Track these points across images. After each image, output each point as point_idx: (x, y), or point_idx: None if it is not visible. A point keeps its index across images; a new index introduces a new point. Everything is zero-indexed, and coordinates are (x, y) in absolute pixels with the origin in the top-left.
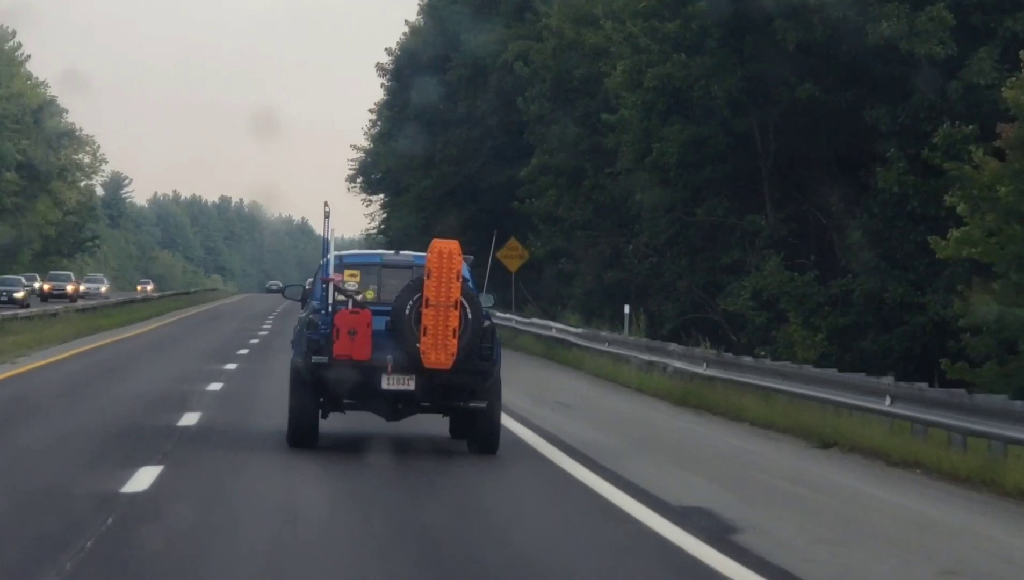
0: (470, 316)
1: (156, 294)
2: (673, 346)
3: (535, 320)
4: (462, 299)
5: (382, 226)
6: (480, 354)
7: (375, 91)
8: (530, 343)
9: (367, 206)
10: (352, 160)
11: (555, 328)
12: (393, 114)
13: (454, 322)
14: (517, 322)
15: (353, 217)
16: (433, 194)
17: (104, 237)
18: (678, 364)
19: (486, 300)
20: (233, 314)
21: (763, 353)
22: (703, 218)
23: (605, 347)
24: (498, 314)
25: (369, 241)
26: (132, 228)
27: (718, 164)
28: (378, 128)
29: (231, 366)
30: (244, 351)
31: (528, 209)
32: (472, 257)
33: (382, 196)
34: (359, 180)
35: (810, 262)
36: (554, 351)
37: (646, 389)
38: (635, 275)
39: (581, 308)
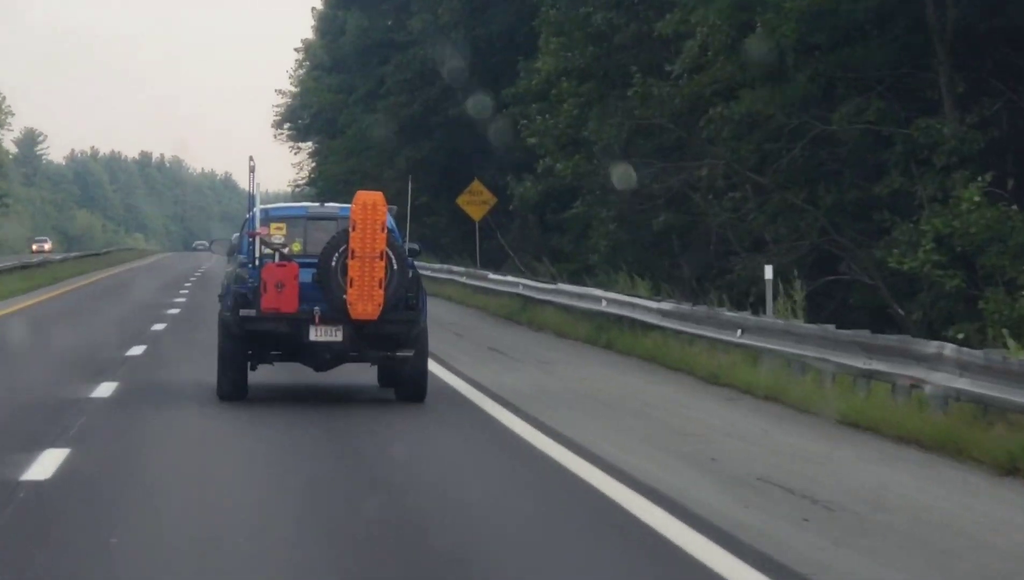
0: (395, 267)
1: (58, 256)
2: (945, 348)
3: (567, 287)
4: (387, 250)
5: (311, 176)
6: (406, 304)
7: (302, 28)
8: (557, 319)
9: (295, 154)
10: (278, 106)
11: (606, 299)
12: (327, 43)
13: (380, 273)
14: (493, 282)
15: (280, 169)
16: (378, 133)
17: (18, 196)
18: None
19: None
20: (144, 279)
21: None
22: (841, 128)
23: (737, 338)
24: (452, 270)
25: (296, 195)
26: (49, 187)
27: (863, 43)
28: (306, 67)
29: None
30: (136, 352)
31: (533, 131)
32: (396, 207)
33: (311, 144)
34: (286, 126)
35: (1007, 191)
36: (610, 336)
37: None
38: (703, 219)
39: (604, 267)
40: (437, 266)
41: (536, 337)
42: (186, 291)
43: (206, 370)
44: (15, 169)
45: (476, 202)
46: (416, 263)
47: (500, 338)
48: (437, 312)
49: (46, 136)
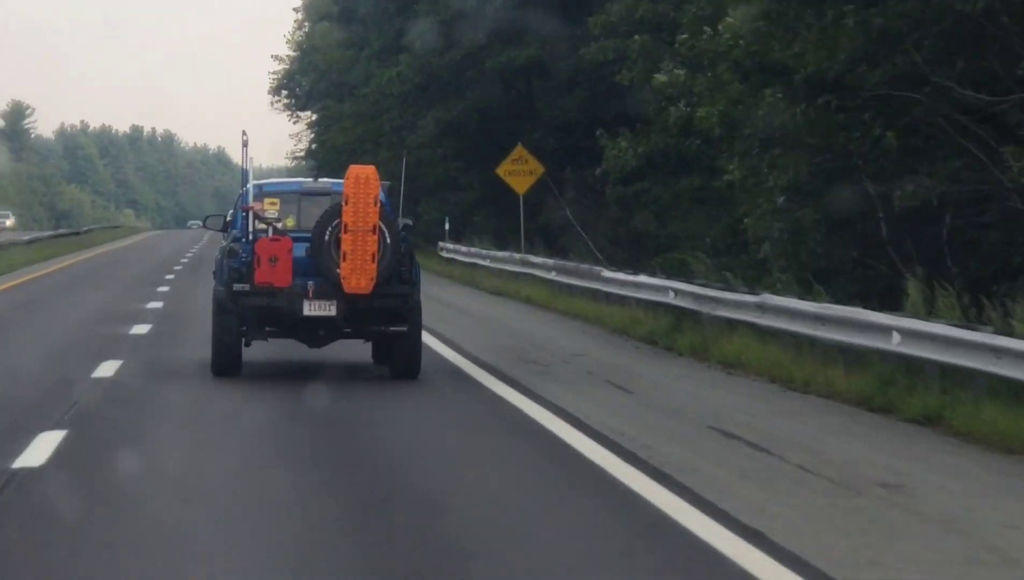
0: (388, 241)
1: (27, 236)
2: None
3: (782, 300)
4: (380, 224)
5: (311, 147)
6: (399, 277)
7: None
8: (767, 356)
9: (294, 124)
10: (274, 73)
11: (898, 331)
12: None
13: (373, 247)
14: (598, 281)
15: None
16: (400, 90)
17: (4, 171)
18: None
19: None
20: (119, 268)
21: None
22: None
23: None
24: (495, 255)
25: (293, 170)
26: (37, 161)
27: None
28: (306, 27)
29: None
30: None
31: (645, 77)
32: (389, 183)
33: (311, 113)
34: (283, 94)
35: None
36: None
37: None
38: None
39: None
40: (476, 251)
41: (768, 395)
42: (165, 289)
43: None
44: (2, 143)
45: (520, 172)
46: (450, 246)
47: (728, 411)
48: (511, 319)
49: (34, 109)
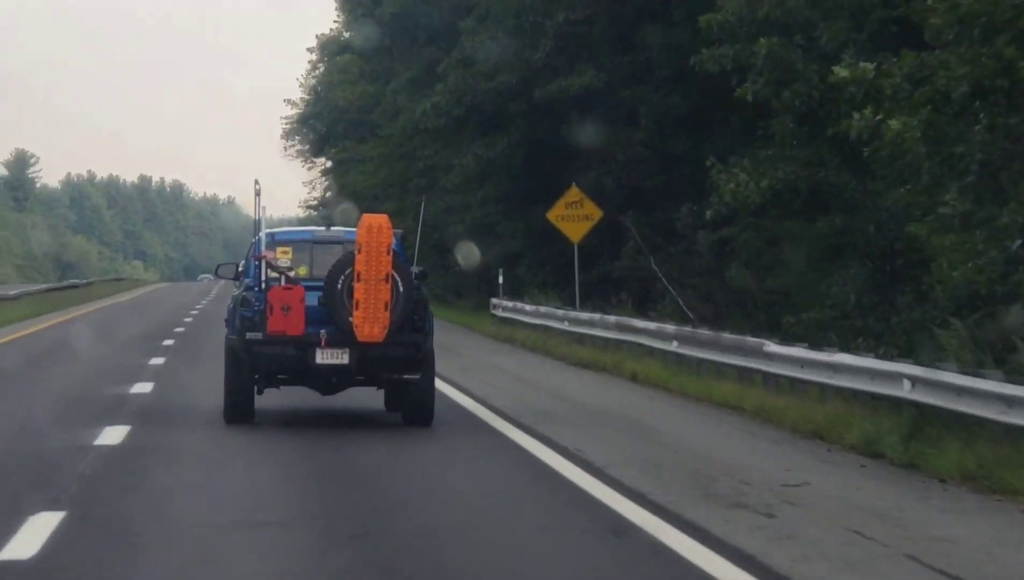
0: (401, 289)
1: (13, 291)
2: None
3: None
4: (393, 272)
5: (326, 194)
6: (413, 326)
7: (316, 26)
8: None
9: (308, 170)
10: (286, 118)
11: None
12: (355, 19)
13: (386, 295)
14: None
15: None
16: (435, 124)
17: (6, 222)
18: None
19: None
20: (111, 329)
21: None
22: None
23: None
24: (577, 317)
25: (308, 219)
26: (43, 212)
27: None
28: (321, 68)
29: None
30: None
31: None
32: (402, 231)
33: (326, 159)
34: (296, 139)
35: None
36: None
37: None
38: None
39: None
40: (549, 310)
41: None
42: (160, 361)
43: None
44: (5, 193)
45: (575, 217)
46: (508, 304)
47: None
48: (636, 410)
49: (38, 158)
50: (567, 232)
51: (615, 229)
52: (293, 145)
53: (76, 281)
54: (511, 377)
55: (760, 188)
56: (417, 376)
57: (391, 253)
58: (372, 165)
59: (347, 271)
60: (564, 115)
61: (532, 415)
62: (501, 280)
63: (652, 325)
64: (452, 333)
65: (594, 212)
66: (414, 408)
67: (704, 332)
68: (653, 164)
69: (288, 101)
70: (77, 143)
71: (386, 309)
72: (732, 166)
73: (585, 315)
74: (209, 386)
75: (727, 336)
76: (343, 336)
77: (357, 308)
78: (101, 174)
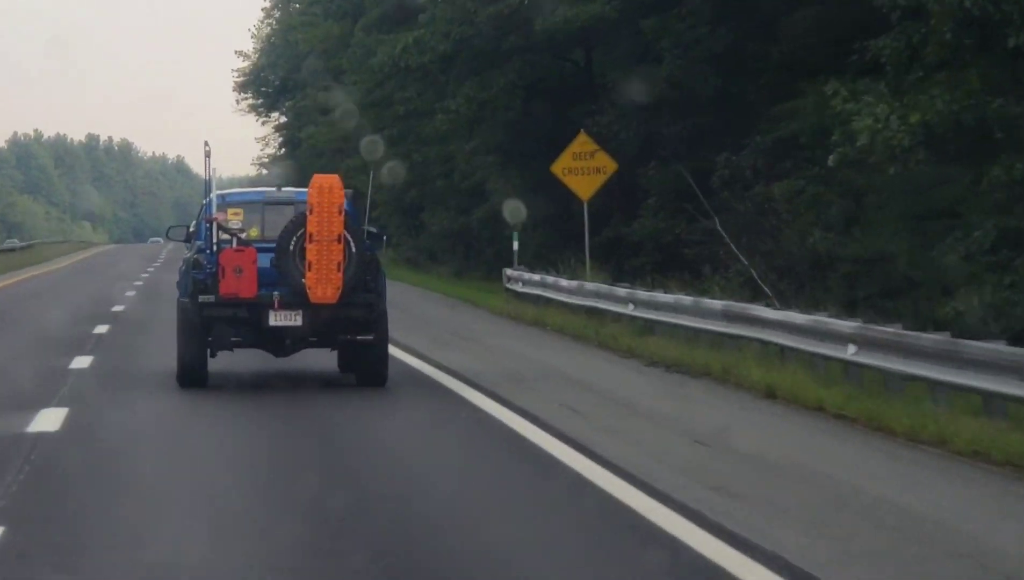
0: (354, 249)
1: None
2: None
3: None
4: (345, 233)
5: (280, 151)
6: (365, 287)
7: None
8: None
9: (262, 125)
10: (238, 71)
11: None
12: None
13: (338, 256)
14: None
15: (242, 150)
16: (419, 62)
17: None
18: None
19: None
20: (36, 305)
21: None
22: None
23: None
24: (641, 297)
25: (259, 180)
26: None
27: None
28: (276, 16)
29: None
30: None
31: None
32: (352, 190)
33: (279, 115)
34: (249, 93)
35: None
36: None
37: None
38: None
39: None
40: (597, 288)
41: None
42: (85, 362)
43: None
44: None
45: (584, 170)
46: (533, 277)
47: None
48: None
49: None
50: (575, 188)
51: (630, 184)
52: (245, 99)
53: (14, 243)
54: (599, 397)
55: (909, 125)
56: (371, 337)
57: (343, 213)
58: (338, 114)
59: (299, 232)
60: (569, 51)
61: (633, 447)
62: (516, 245)
63: (800, 318)
64: (455, 311)
65: (607, 164)
66: (368, 369)
67: (925, 336)
68: (679, 107)
69: (239, 53)
70: (23, 101)
71: (339, 270)
72: (861, 95)
73: (666, 297)
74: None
75: (986, 346)
76: (296, 298)
77: (310, 269)
78: (48, 133)
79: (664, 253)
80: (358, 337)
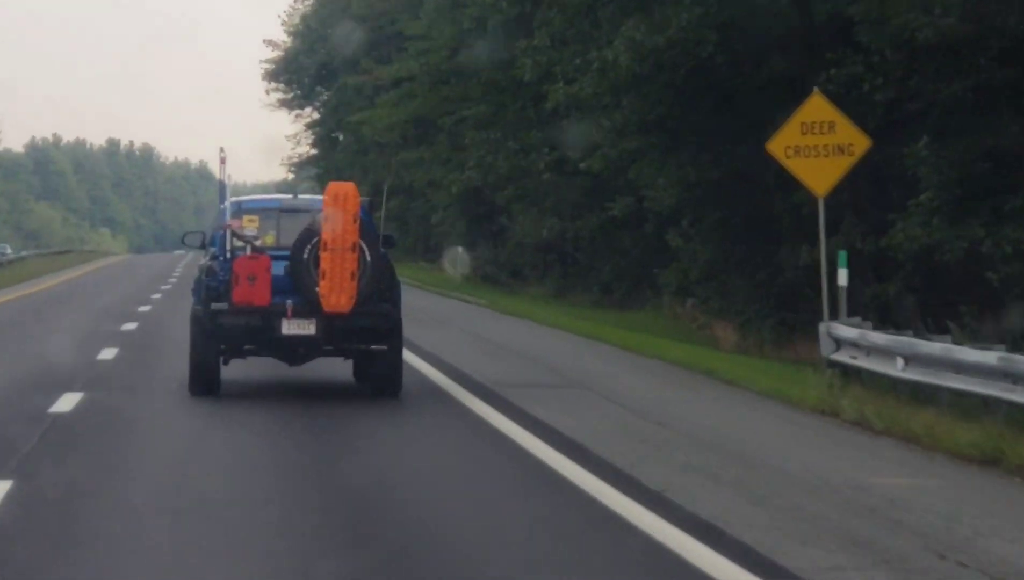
0: (368, 258)
1: None
2: None
3: None
4: (360, 241)
5: (311, 151)
6: (380, 296)
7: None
8: None
9: (295, 118)
10: (267, 60)
11: None
12: None
13: (352, 265)
14: None
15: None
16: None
17: None
18: None
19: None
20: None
21: None
22: None
23: None
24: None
25: (281, 184)
26: (4, 177)
27: None
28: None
29: None
30: None
31: None
32: (369, 199)
33: (312, 110)
34: (281, 83)
35: None
36: None
37: None
38: None
39: None
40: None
41: None
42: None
43: None
44: None
45: (820, 151)
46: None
47: None
48: None
49: None
50: (805, 177)
51: (881, 170)
52: (277, 88)
53: (2, 252)
54: None
55: None
56: (384, 347)
57: (358, 222)
58: (398, 94)
59: (313, 240)
60: None
61: None
62: (845, 280)
63: None
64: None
65: (855, 140)
66: (382, 379)
67: None
68: (971, 54)
69: (268, 42)
70: (41, 106)
71: (353, 279)
72: None
73: None
74: None
75: None
76: (309, 306)
77: (323, 278)
78: (67, 137)
79: (941, 277)
80: (372, 346)
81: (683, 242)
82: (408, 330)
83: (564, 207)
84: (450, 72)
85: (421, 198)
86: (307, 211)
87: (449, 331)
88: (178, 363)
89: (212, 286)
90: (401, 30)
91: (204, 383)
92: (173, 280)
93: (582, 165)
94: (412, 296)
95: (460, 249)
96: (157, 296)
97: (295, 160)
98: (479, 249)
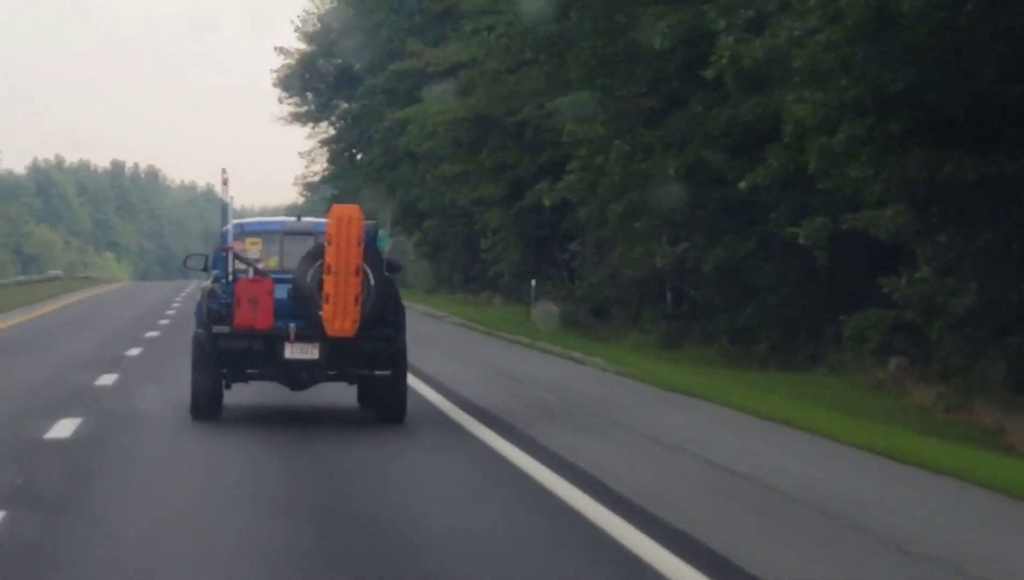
0: (372, 282)
1: None
2: None
3: None
4: (364, 265)
5: (326, 169)
6: (384, 321)
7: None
8: None
9: (311, 131)
10: (278, 70)
11: None
12: None
13: (356, 289)
14: None
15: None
16: None
17: None
18: None
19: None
20: None
21: None
22: None
23: None
24: None
25: (291, 208)
26: (4, 199)
27: None
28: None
29: None
30: None
31: None
32: (375, 221)
33: (328, 125)
34: (295, 94)
35: None
36: None
37: None
38: None
39: None
40: None
41: None
42: None
43: None
44: None
45: None
46: None
47: None
48: None
49: None
50: None
51: None
52: (290, 100)
53: None
54: None
55: None
56: (388, 372)
57: (362, 245)
58: (457, 82)
59: (317, 263)
60: None
61: None
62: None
63: None
64: None
65: None
66: (386, 405)
67: None
68: None
69: (280, 50)
70: (44, 127)
71: (356, 303)
72: None
73: None
74: None
75: None
76: (313, 330)
77: (327, 301)
78: (71, 159)
79: None
80: (376, 372)
81: (908, 279)
82: (550, 429)
83: (698, 228)
84: (540, 44)
85: (462, 220)
86: (310, 234)
87: (630, 441)
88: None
89: (214, 309)
90: (459, 4)
91: (206, 407)
92: (170, 314)
93: (771, 162)
94: (483, 347)
95: (552, 306)
96: (133, 351)
97: (308, 179)
98: (545, 283)
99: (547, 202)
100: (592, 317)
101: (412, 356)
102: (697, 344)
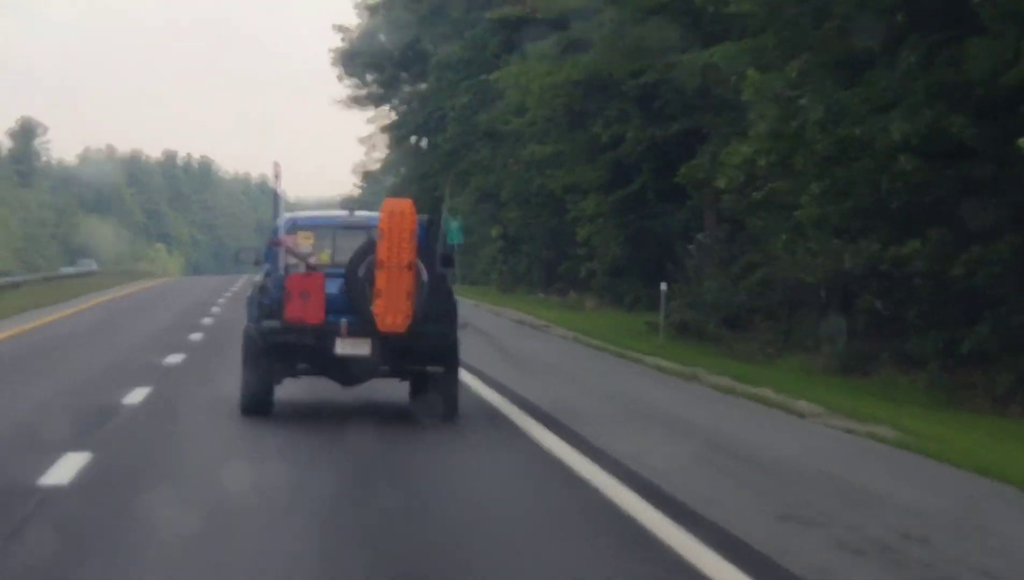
0: (425, 277)
1: None
2: None
3: None
4: (417, 260)
5: (388, 155)
6: (436, 316)
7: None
8: None
9: (372, 115)
10: (335, 50)
11: None
12: None
13: (408, 284)
14: None
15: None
16: None
17: (6, 199)
18: None
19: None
20: None
21: None
22: None
23: None
24: None
25: (347, 200)
26: (51, 189)
27: None
28: None
29: None
30: None
31: None
32: (428, 216)
33: (396, 104)
34: (355, 73)
35: None
36: None
37: None
38: None
39: None
40: None
41: None
42: None
43: None
44: (7, 166)
45: None
46: None
47: None
48: None
49: (47, 128)
50: None
51: None
52: (351, 77)
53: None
54: None
55: None
56: (441, 368)
57: (415, 239)
58: (565, 37)
59: (368, 258)
60: None
61: None
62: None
63: None
64: None
65: None
66: (439, 402)
67: None
68: None
69: (338, 27)
70: (97, 115)
71: (408, 298)
72: None
73: None
74: None
75: None
76: (364, 326)
77: (379, 297)
78: (122, 148)
79: None
80: (428, 368)
81: None
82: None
83: (916, 217)
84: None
85: (548, 208)
86: (364, 228)
87: None
88: None
89: (265, 303)
90: None
91: (256, 402)
92: (208, 320)
93: None
94: (640, 383)
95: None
96: (135, 394)
97: (368, 168)
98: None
99: (722, 184)
100: (724, 328)
101: (559, 406)
102: (889, 369)
